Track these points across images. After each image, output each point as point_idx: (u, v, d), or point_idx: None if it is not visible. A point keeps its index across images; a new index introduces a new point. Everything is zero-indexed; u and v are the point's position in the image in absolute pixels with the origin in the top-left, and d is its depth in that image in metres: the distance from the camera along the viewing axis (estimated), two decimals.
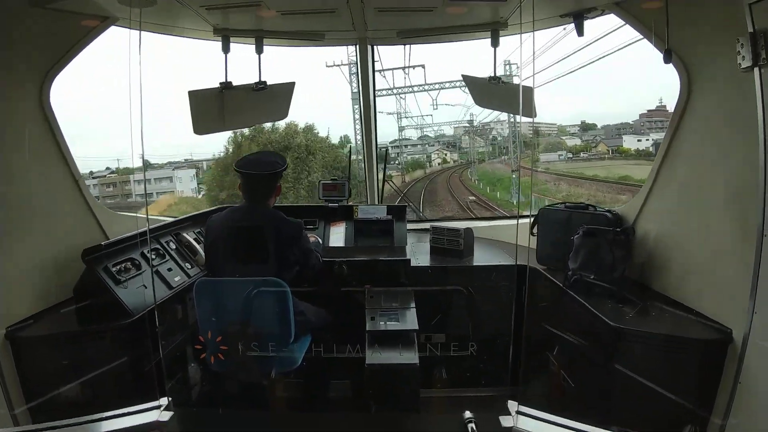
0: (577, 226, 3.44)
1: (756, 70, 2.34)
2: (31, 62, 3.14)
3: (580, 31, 3.63)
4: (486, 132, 31.90)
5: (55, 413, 2.59)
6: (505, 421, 2.45)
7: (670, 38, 2.80)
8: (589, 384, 3.17)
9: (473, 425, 2.46)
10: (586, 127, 28.76)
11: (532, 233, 3.84)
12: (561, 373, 3.39)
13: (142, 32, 2.91)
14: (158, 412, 2.50)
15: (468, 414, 2.52)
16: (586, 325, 3.09)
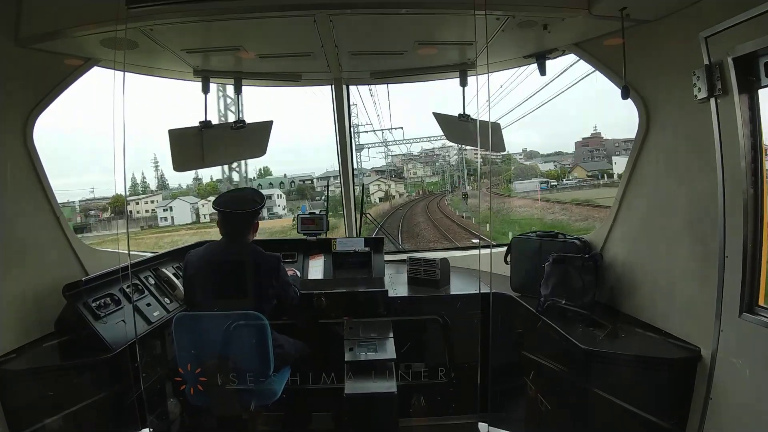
0: (548, 253, 3.56)
1: (712, 100, 2.53)
2: (16, 101, 3.21)
3: (542, 71, 3.83)
4: (432, 160, 29.63)
5: None
6: None
7: (627, 74, 2.98)
8: (565, 406, 3.23)
9: None
10: (530, 155, 28.15)
11: (506, 261, 3.95)
12: (538, 397, 3.44)
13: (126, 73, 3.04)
14: None
15: None
16: (560, 349, 3.17)
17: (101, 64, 3.44)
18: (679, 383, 2.73)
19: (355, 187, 4.85)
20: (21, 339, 3.07)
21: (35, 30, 2.96)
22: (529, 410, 3.50)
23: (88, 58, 3.38)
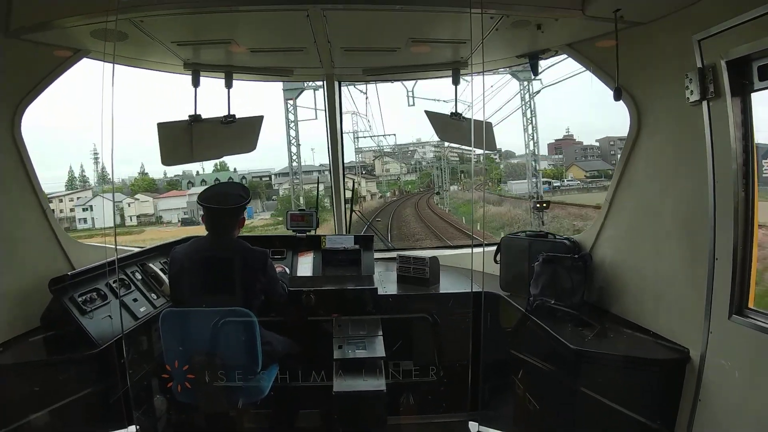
0: (538, 253, 3.56)
1: (704, 103, 2.54)
2: (4, 93, 3.17)
3: (534, 71, 3.85)
4: (407, 156, 27.35)
5: None
6: None
7: (620, 76, 2.99)
8: (553, 405, 3.24)
9: None
10: (506, 155, 26.33)
11: (495, 261, 3.95)
12: (525, 396, 3.45)
13: (115, 65, 2.99)
14: None
15: None
16: (549, 349, 3.18)
17: (91, 55, 3.39)
18: (667, 384, 2.75)
19: (346, 183, 4.83)
20: (7, 334, 3.03)
21: (26, 21, 2.91)
22: (520, 409, 3.51)
23: (77, 50, 3.33)
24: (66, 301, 3.10)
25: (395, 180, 27.39)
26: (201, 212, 3.41)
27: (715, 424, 2.52)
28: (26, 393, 2.83)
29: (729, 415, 2.45)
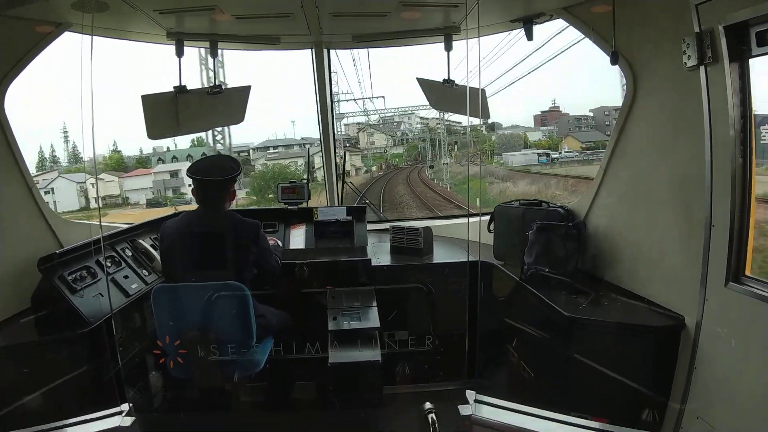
0: (532, 222, 3.55)
1: (702, 68, 2.49)
2: None
3: (529, 36, 3.75)
4: (393, 127, 25.37)
5: (18, 422, 2.53)
6: (464, 410, 2.52)
7: (616, 40, 2.92)
8: (548, 373, 3.27)
9: (433, 415, 2.52)
10: (492, 126, 25.40)
11: (489, 230, 3.94)
12: (520, 364, 3.48)
13: (95, 37, 2.89)
14: (120, 417, 2.49)
15: (428, 405, 2.58)
16: (543, 317, 3.20)
17: (72, 28, 3.28)
18: (662, 351, 2.75)
19: (338, 156, 4.77)
20: None
21: None
22: (516, 377, 3.54)
23: (59, 23, 3.23)
24: (55, 280, 3.06)
25: (381, 153, 25.69)
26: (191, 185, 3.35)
27: (710, 392, 2.54)
28: (19, 374, 2.81)
29: (724, 382, 2.46)
